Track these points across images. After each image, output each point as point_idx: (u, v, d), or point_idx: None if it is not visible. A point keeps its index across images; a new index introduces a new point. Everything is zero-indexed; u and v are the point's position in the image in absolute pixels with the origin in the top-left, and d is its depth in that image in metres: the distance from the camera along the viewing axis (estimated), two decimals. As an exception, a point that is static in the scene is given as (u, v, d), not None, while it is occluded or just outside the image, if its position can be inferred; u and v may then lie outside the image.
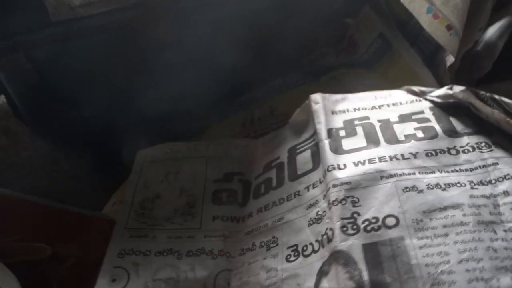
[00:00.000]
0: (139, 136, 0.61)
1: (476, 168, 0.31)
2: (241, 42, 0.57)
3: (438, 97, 0.39)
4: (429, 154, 0.33)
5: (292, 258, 0.32)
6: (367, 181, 0.31)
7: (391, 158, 0.33)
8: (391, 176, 0.31)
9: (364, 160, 0.33)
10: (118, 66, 0.57)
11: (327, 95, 0.43)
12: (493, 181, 0.29)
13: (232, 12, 0.57)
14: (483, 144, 0.32)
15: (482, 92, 0.34)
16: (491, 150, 0.32)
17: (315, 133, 0.40)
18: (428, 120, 0.37)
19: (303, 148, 0.41)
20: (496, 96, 0.32)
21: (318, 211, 0.33)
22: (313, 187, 0.36)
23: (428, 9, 0.45)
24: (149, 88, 0.58)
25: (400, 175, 0.31)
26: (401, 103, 0.40)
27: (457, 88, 0.36)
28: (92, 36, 0.55)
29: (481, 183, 0.29)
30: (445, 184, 0.30)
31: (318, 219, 0.32)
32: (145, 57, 0.56)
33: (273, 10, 0.58)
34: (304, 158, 0.39)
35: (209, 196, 0.43)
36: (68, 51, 0.56)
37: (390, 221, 0.28)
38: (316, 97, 0.43)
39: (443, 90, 0.38)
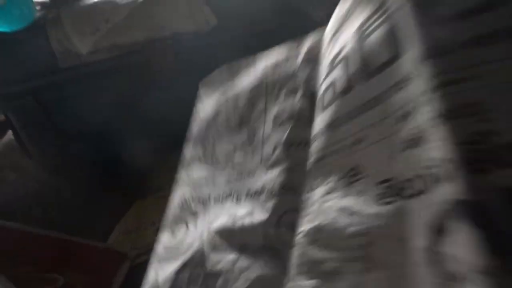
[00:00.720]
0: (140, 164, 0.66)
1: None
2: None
3: None
4: None
5: (386, 199, 0.21)
6: None
7: None
8: None
9: None
10: (120, 103, 0.61)
11: None
12: None
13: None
14: None
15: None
16: None
17: None
18: None
19: (372, 27, 0.24)
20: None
21: (413, 130, 0.19)
22: (403, 86, 0.21)
23: None
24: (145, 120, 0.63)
25: None
26: None
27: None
28: (96, 79, 0.60)
29: None
30: None
31: (416, 141, 0.19)
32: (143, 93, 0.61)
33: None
34: (377, 40, 0.23)
35: (270, 121, 0.34)
36: (74, 93, 0.61)
37: None
38: None
39: None
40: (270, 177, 0.31)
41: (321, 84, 0.30)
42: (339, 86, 0.26)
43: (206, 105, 0.42)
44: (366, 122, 0.23)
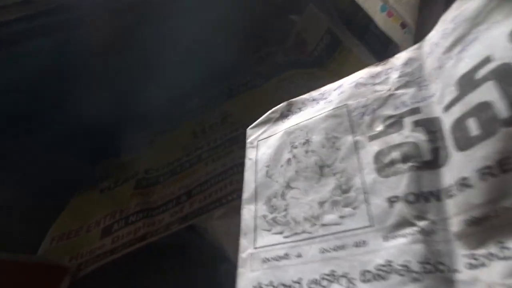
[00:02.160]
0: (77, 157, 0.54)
1: None
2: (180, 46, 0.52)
3: None
4: None
5: None
6: None
7: None
8: None
9: None
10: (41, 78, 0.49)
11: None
12: None
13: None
14: None
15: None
16: None
17: None
18: None
19: None
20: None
21: None
22: None
23: (382, 8, 0.43)
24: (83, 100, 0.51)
25: None
26: None
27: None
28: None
29: None
30: None
31: None
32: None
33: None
34: None
35: (370, 165, 0.24)
36: None
37: None
38: None
39: None
40: (394, 247, 0.21)
41: (447, 108, 0.22)
42: (493, 115, 0.19)
43: (262, 155, 0.31)
44: None
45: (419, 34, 0.43)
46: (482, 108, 0.19)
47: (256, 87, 0.60)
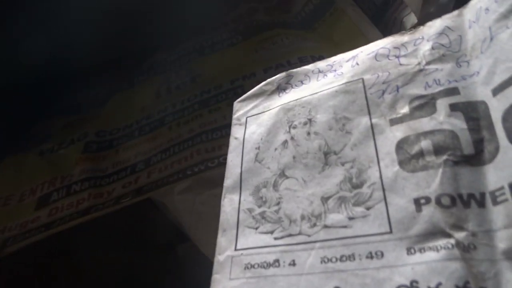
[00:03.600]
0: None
1: None
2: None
3: None
4: None
5: None
6: None
7: None
8: None
9: None
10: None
11: None
12: None
13: None
14: None
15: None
16: None
17: None
18: None
19: None
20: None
21: None
22: None
23: None
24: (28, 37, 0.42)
25: None
26: None
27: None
28: None
29: None
30: None
31: None
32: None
33: None
34: None
35: (391, 155, 0.19)
36: None
37: None
38: None
39: None
40: (422, 264, 0.16)
41: (498, 91, 0.18)
42: None
43: (252, 134, 0.25)
44: None
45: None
46: None
47: (232, 46, 0.52)
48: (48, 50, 0.40)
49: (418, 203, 0.16)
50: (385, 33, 0.45)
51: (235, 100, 0.27)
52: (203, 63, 0.51)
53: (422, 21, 0.28)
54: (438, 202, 0.16)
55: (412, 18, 0.40)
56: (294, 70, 0.26)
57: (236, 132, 0.25)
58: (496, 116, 0.16)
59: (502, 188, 0.15)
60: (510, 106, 0.16)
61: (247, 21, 0.55)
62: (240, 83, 0.45)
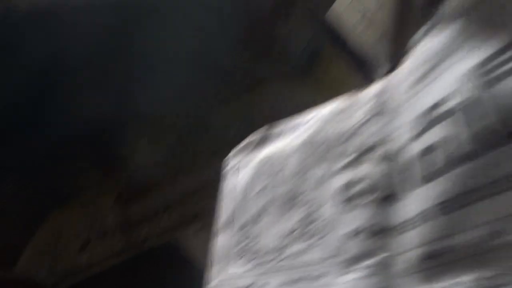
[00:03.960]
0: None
1: None
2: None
3: None
4: None
5: None
6: None
7: None
8: None
9: None
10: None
11: None
12: None
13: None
14: None
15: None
16: None
17: None
18: None
19: (504, 68, 0.19)
20: None
21: None
22: None
23: (359, 20, 0.45)
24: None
25: None
26: None
27: None
28: None
29: None
30: None
31: None
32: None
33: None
34: None
35: (336, 197, 0.24)
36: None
37: None
38: None
39: None
40: (351, 281, 0.21)
41: (406, 145, 0.22)
42: (455, 149, 0.19)
43: (241, 180, 0.31)
44: (506, 204, 0.16)
45: (395, 46, 0.43)
46: (446, 142, 0.19)
47: (240, 100, 0.60)
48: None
49: (353, 234, 0.22)
50: (367, 78, 0.51)
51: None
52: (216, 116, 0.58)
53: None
54: (367, 232, 0.21)
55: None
56: (274, 123, 0.32)
57: (230, 178, 0.31)
58: (411, 161, 0.21)
59: (412, 218, 0.20)
60: (419, 153, 0.20)
61: (250, 72, 0.62)
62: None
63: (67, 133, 0.51)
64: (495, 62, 0.19)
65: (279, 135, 0.32)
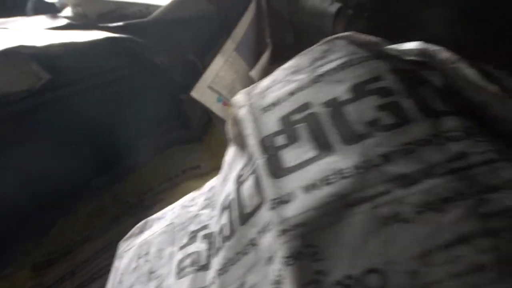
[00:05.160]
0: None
1: (475, 165, 0.19)
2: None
3: (396, 53, 0.26)
4: (406, 152, 0.20)
5: None
6: (328, 216, 0.20)
7: (356, 169, 0.20)
8: (362, 201, 0.20)
9: (317, 181, 0.21)
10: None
11: (251, 87, 0.30)
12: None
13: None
14: (474, 130, 0.21)
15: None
16: (486, 140, 0.21)
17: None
18: (391, 92, 0.23)
19: (245, 176, 0.27)
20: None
21: (276, 273, 0.21)
22: (266, 232, 0.23)
23: (218, 99, 0.52)
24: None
25: (375, 196, 0.19)
26: (347, 63, 0.26)
27: (435, 47, 0.25)
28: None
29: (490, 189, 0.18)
30: (441, 201, 0.18)
31: (278, 284, 0.21)
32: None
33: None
34: (248, 189, 0.26)
35: (174, 270, 0.31)
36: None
37: (372, 280, 0.18)
38: (239, 98, 0.29)
39: (414, 45, 0.26)
40: None
41: (216, 228, 0.31)
42: (226, 231, 0.28)
43: (123, 263, 0.37)
44: (245, 265, 0.25)
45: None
46: (221, 229, 0.28)
47: (144, 166, 0.66)
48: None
49: None
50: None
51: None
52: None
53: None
54: None
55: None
56: (149, 218, 0.40)
57: (115, 263, 0.37)
58: (219, 240, 0.28)
59: (211, 282, 0.27)
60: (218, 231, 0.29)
61: (165, 138, 0.66)
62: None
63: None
64: (243, 171, 0.28)
65: (151, 226, 0.39)
